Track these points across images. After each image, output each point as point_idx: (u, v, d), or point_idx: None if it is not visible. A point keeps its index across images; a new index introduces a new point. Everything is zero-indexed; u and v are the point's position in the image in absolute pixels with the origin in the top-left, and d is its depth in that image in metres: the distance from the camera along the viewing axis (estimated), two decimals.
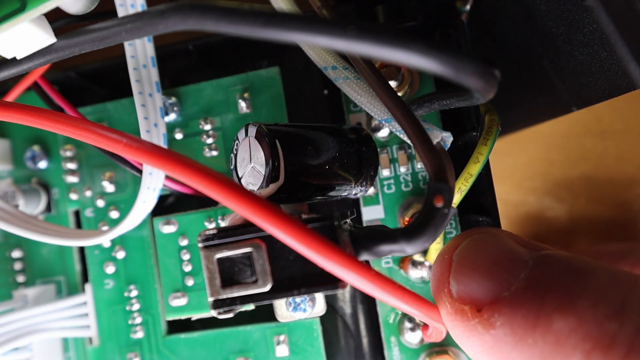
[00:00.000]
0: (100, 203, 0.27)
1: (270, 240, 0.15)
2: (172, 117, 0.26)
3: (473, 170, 0.20)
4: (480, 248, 0.15)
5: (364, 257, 0.16)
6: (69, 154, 0.28)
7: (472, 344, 0.15)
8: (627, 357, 0.12)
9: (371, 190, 0.25)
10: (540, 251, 0.15)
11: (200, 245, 0.16)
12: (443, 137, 0.21)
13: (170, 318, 0.26)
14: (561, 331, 0.13)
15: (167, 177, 0.23)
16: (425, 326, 0.19)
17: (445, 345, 0.24)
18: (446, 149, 0.20)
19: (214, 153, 0.26)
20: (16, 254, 0.29)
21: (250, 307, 0.21)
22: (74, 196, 0.28)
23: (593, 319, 0.13)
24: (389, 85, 0.18)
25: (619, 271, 0.14)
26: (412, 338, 0.24)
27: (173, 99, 0.26)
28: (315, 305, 0.21)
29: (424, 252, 0.24)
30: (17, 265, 0.29)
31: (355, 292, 0.26)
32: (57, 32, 0.16)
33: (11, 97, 0.24)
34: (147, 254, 0.27)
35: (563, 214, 0.40)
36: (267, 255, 0.15)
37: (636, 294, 0.13)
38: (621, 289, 0.13)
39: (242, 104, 0.26)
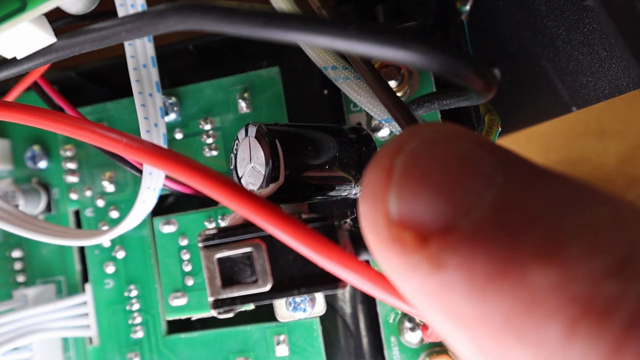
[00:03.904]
0: (100, 203, 0.27)
1: (271, 240, 0.15)
2: (172, 117, 0.26)
3: None
4: (435, 153, 0.11)
5: (364, 257, 0.16)
6: (69, 153, 0.28)
7: (410, 287, 0.11)
8: (628, 333, 0.08)
9: None
10: (514, 162, 0.11)
11: (200, 245, 0.16)
12: None
13: (170, 318, 0.26)
14: (539, 287, 0.09)
15: (167, 177, 0.23)
16: (425, 326, 0.19)
17: (446, 345, 0.24)
18: None
19: (214, 153, 0.26)
20: (16, 253, 0.29)
21: (250, 306, 0.21)
22: (74, 196, 0.28)
23: (587, 275, 0.09)
24: (388, 85, 0.18)
25: (627, 206, 0.10)
26: (412, 338, 0.24)
27: (173, 99, 0.26)
28: (315, 305, 0.21)
29: None
30: (17, 265, 0.29)
31: (355, 292, 0.26)
32: (57, 32, 0.16)
33: (11, 97, 0.24)
34: (147, 254, 0.27)
35: None
36: (268, 255, 0.15)
37: None
38: (628, 234, 0.09)
39: (242, 104, 0.26)
